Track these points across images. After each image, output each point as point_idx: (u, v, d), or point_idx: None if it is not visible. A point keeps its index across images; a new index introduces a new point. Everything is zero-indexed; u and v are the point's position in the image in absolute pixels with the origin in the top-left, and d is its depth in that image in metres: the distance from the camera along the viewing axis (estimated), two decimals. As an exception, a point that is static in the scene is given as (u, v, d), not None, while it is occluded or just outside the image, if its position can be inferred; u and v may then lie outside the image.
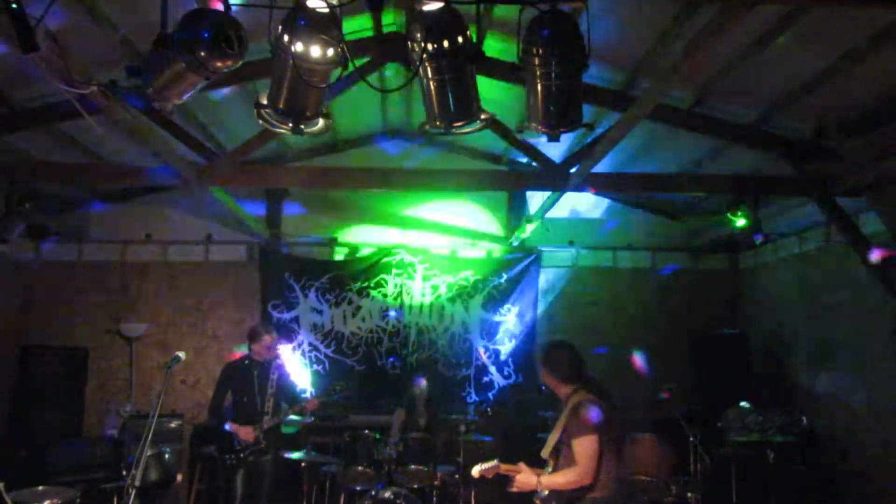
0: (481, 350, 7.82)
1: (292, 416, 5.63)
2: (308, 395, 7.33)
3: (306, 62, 2.84)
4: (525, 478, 3.45)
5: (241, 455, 5.24)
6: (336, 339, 7.76)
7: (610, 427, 3.42)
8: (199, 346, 7.69)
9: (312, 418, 5.70)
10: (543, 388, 7.24)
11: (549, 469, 3.52)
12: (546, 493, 3.46)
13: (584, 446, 3.34)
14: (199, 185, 5.79)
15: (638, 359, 7.46)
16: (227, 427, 5.30)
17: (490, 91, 4.86)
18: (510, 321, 7.86)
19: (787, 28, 3.89)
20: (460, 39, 2.88)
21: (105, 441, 6.70)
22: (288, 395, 5.60)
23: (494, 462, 3.50)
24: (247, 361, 5.52)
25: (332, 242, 8.04)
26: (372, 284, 7.85)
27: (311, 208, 8.03)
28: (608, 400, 3.52)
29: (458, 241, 8.08)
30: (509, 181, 7.13)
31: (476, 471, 3.53)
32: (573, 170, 5.67)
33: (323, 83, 2.93)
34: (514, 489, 3.49)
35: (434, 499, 5.82)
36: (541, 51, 2.85)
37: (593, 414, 3.39)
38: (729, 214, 6.16)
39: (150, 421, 3.51)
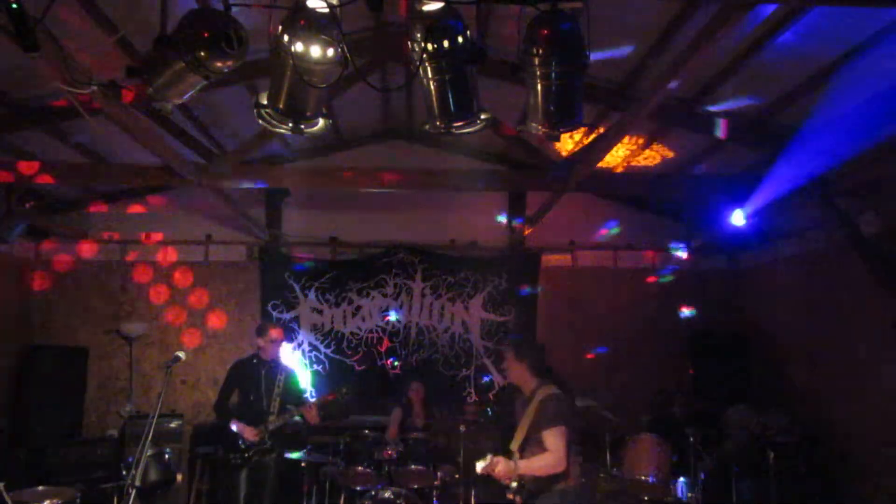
0: (481, 350, 7.82)
1: (296, 418, 5.63)
2: (308, 395, 7.35)
3: (306, 62, 2.84)
4: (504, 467, 3.61)
5: (246, 454, 5.25)
6: (336, 339, 7.76)
7: (574, 420, 3.67)
8: (199, 346, 7.69)
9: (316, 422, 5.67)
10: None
11: (515, 459, 3.67)
12: (515, 485, 3.63)
13: (556, 436, 3.54)
14: (199, 185, 5.80)
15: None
16: (232, 426, 5.30)
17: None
18: (510, 321, 7.86)
19: (787, 27, 3.89)
20: (460, 39, 2.88)
21: (105, 441, 6.70)
22: (294, 396, 5.60)
23: (489, 458, 3.69)
24: (255, 360, 5.54)
25: (333, 242, 8.04)
26: (372, 284, 7.85)
27: (311, 208, 8.03)
28: (570, 395, 3.78)
29: (458, 241, 8.08)
30: (509, 181, 7.14)
31: (480, 468, 3.69)
32: (573, 170, 5.68)
33: (323, 83, 2.93)
34: (498, 477, 3.66)
35: (434, 499, 5.82)
36: (541, 51, 2.85)
37: (561, 407, 3.62)
38: (729, 214, 6.15)
39: (150, 421, 3.51)
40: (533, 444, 3.64)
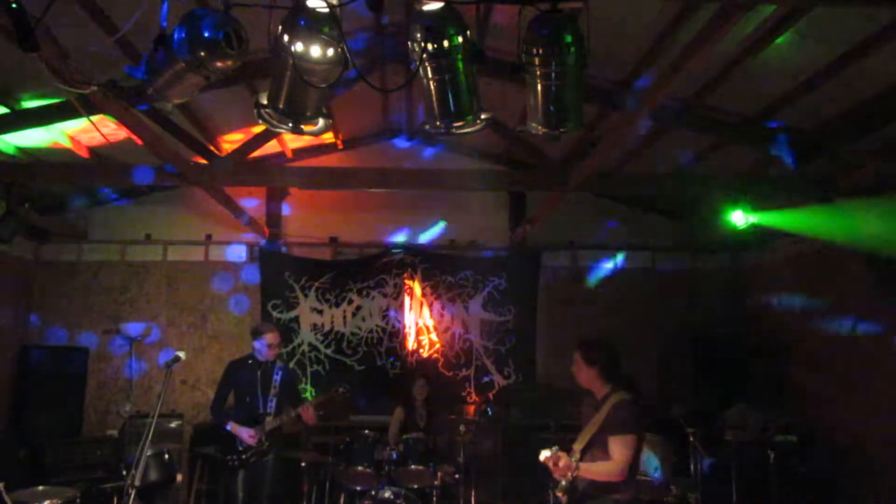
0: (481, 350, 7.83)
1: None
2: (308, 395, 7.35)
3: (306, 62, 2.84)
4: (566, 462, 3.51)
5: (243, 456, 5.22)
6: (336, 339, 7.75)
7: (643, 431, 3.52)
8: (199, 346, 7.69)
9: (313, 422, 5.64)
10: (540, 386, 7.32)
11: (576, 460, 3.56)
12: (565, 483, 3.52)
13: (625, 443, 3.40)
14: (200, 185, 5.80)
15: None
16: (228, 428, 5.27)
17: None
18: (510, 321, 7.86)
19: (787, 28, 3.90)
20: (460, 39, 2.88)
21: (105, 441, 6.70)
22: (291, 395, 5.57)
23: (556, 448, 3.57)
24: (250, 361, 5.46)
25: (332, 242, 8.04)
26: (372, 284, 7.85)
27: (311, 208, 8.03)
28: (642, 405, 3.61)
29: (458, 241, 8.08)
30: (509, 181, 7.14)
31: (543, 456, 3.60)
32: (573, 170, 5.68)
33: (323, 83, 2.93)
34: (556, 474, 3.57)
35: (434, 499, 5.82)
36: (541, 51, 2.85)
37: (634, 415, 3.46)
38: (729, 214, 6.17)
39: (150, 421, 3.51)
40: (596, 448, 3.51)
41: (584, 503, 3.50)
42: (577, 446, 3.61)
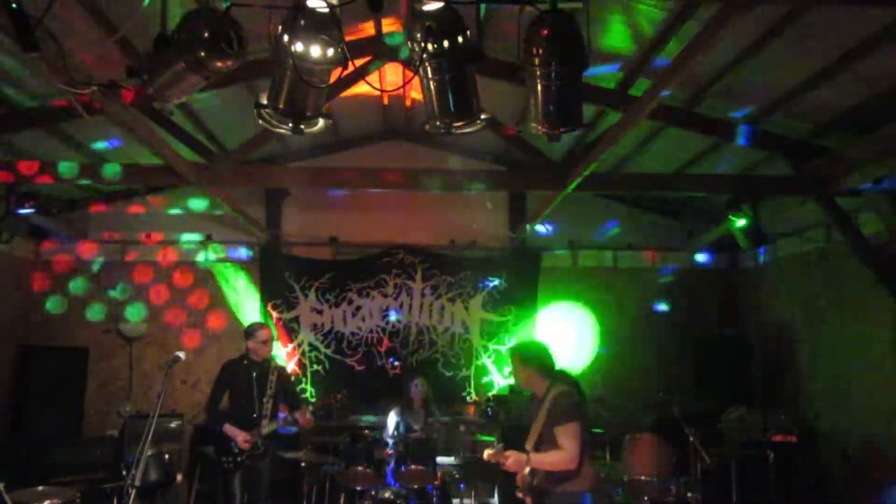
0: (481, 350, 7.83)
1: (292, 429, 5.58)
2: (308, 395, 7.35)
3: (306, 62, 2.84)
4: (516, 458, 3.67)
5: (239, 458, 5.19)
6: (336, 339, 7.75)
7: (587, 418, 3.66)
8: (199, 347, 7.69)
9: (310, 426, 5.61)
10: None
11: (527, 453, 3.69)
12: (524, 483, 3.66)
13: (569, 432, 3.53)
14: (199, 185, 5.79)
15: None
16: (223, 430, 5.22)
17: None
18: (510, 321, 7.86)
19: (786, 28, 3.90)
20: (460, 39, 2.88)
21: (105, 441, 6.70)
22: (287, 398, 5.54)
23: (501, 446, 3.84)
24: (245, 362, 5.38)
25: (332, 242, 8.04)
26: (372, 284, 7.85)
27: (311, 208, 8.03)
28: (581, 393, 3.76)
29: (458, 241, 8.08)
30: (509, 181, 7.14)
31: (486, 454, 3.82)
32: (573, 170, 5.68)
33: (323, 83, 2.94)
34: (508, 469, 3.76)
35: (434, 499, 5.82)
36: (541, 51, 2.85)
37: (573, 403, 3.62)
38: (729, 214, 6.17)
39: (150, 421, 3.51)
40: (547, 443, 3.63)
41: (544, 499, 3.61)
42: (529, 445, 3.73)
